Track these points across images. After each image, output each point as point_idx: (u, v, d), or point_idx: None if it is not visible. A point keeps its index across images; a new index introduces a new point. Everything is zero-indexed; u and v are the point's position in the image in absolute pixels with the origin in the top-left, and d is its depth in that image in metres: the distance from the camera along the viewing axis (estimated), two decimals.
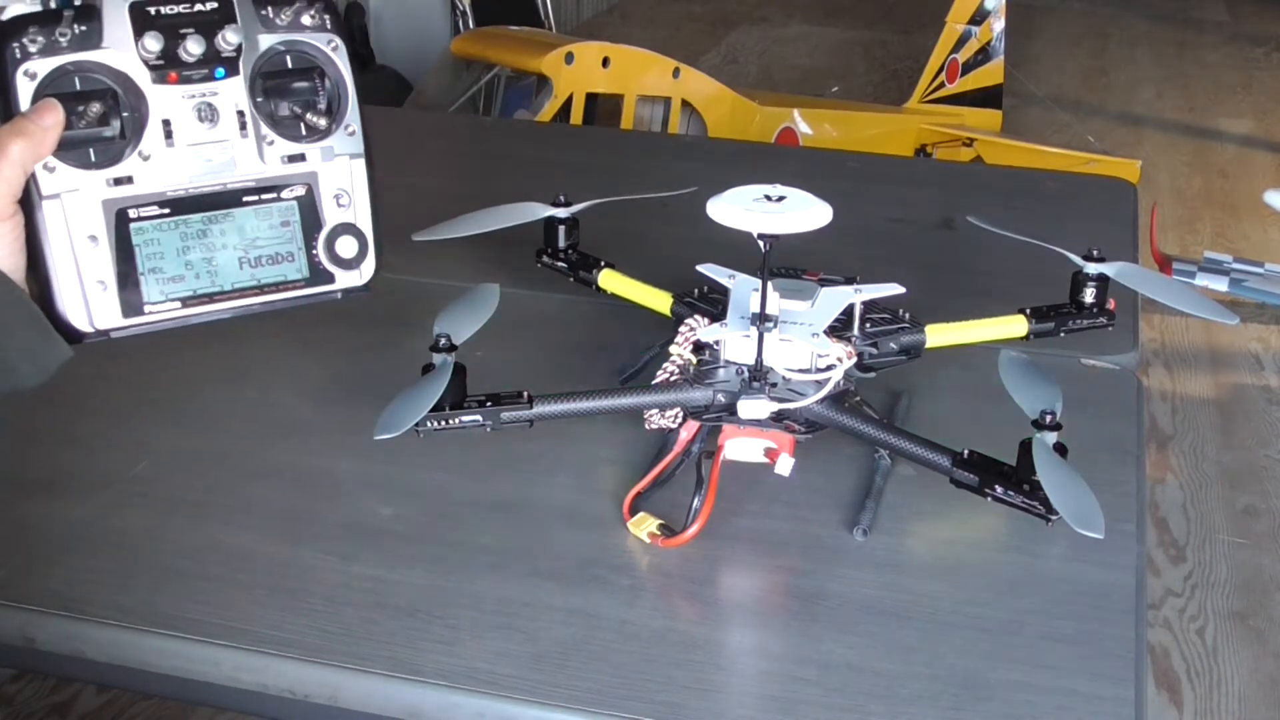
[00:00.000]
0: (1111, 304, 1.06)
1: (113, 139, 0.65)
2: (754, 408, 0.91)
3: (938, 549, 0.92)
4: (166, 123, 0.66)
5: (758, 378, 0.93)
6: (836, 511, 0.94)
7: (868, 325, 1.00)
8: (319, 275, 0.71)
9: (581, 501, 0.95)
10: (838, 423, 0.94)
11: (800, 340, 0.93)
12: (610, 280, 1.12)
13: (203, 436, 1.03)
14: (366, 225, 0.72)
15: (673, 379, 0.97)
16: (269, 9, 0.68)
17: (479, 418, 0.92)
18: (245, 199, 0.68)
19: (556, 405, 0.94)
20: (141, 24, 0.64)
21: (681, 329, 0.97)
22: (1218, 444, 2.58)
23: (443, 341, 0.91)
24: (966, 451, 0.91)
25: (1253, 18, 5.91)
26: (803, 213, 0.87)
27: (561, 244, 1.16)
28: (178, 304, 0.68)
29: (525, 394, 0.93)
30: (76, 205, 0.65)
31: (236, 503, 0.94)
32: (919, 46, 4.28)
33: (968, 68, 3.72)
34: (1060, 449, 0.87)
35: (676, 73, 3.17)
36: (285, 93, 0.69)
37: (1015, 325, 1.04)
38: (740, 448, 0.92)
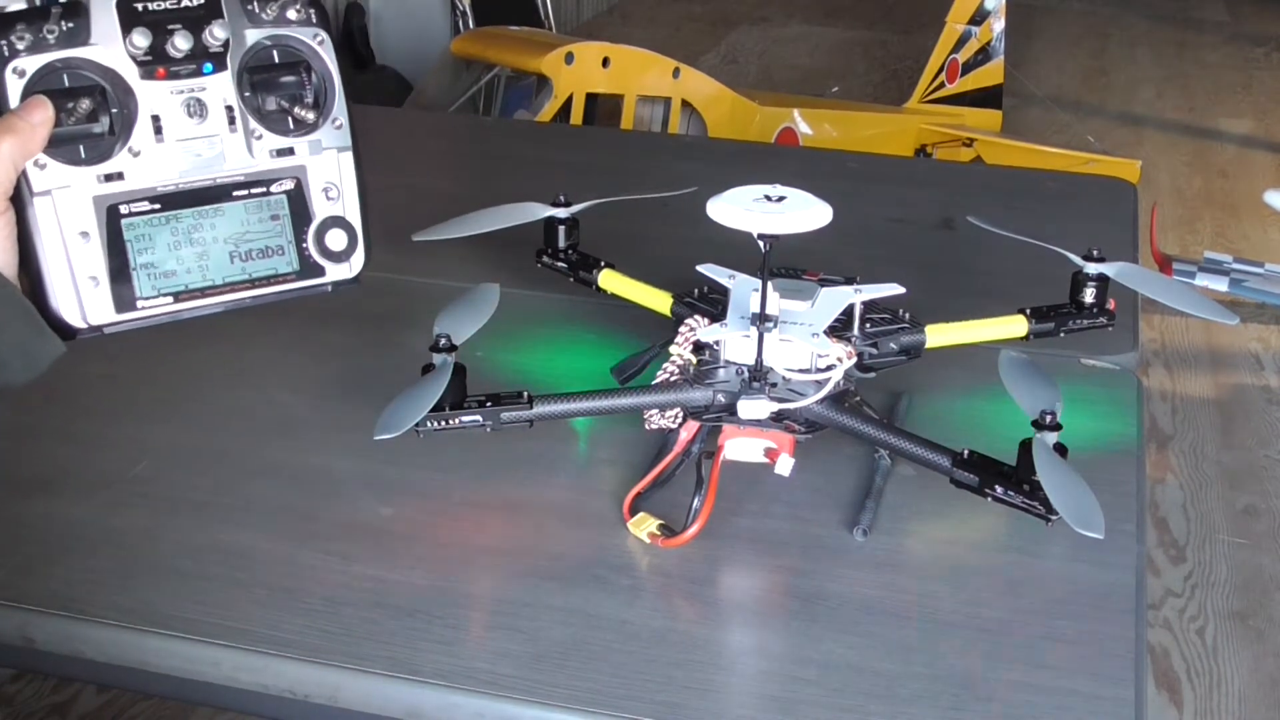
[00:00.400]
0: (1111, 304, 1.06)
1: (102, 135, 0.65)
2: (754, 408, 0.91)
3: (938, 549, 0.92)
4: (156, 118, 0.66)
5: (758, 378, 0.93)
6: (836, 511, 0.94)
7: (868, 325, 1.00)
8: (309, 268, 0.71)
9: (581, 501, 0.95)
10: (838, 423, 0.94)
11: (800, 340, 0.93)
12: (610, 280, 1.12)
13: (203, 436, 1.02)
14: (355, 218, 0.72)
15: (673, 379, 0.97)
16: (255, 4, 0.68)
17: (479, 418, 0.92)
18: (235, 193, 0.69)
19: (556, 405, 0.94)
20: (129, 20, 0.65)
21: (681, 329, 0.97)
22: (1218, 444, 2.58)
23: (443, 341, 0.91)
24: (966, 451, 0.91)
25: (1253, 18, 5.91)
26: (803, 213, 0.87)
27: (561, 244, 1.16)
28: (170, 299, 0.68)
29: (525, 394, 0.93)
30: (68, 201, 0.65)
31: (236, 502, 0.94)
32: (919, 46, 4.28)
33: (968, 68, 3.72)
34: (1060, 449, 0.87)
35: (676, 73, 3.17)
36: (272, 87, 0.69)
37: (1015, 325, 1.04)
38: (740, 448, 0.92)
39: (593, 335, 1.17)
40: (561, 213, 1.15)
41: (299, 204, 0.70)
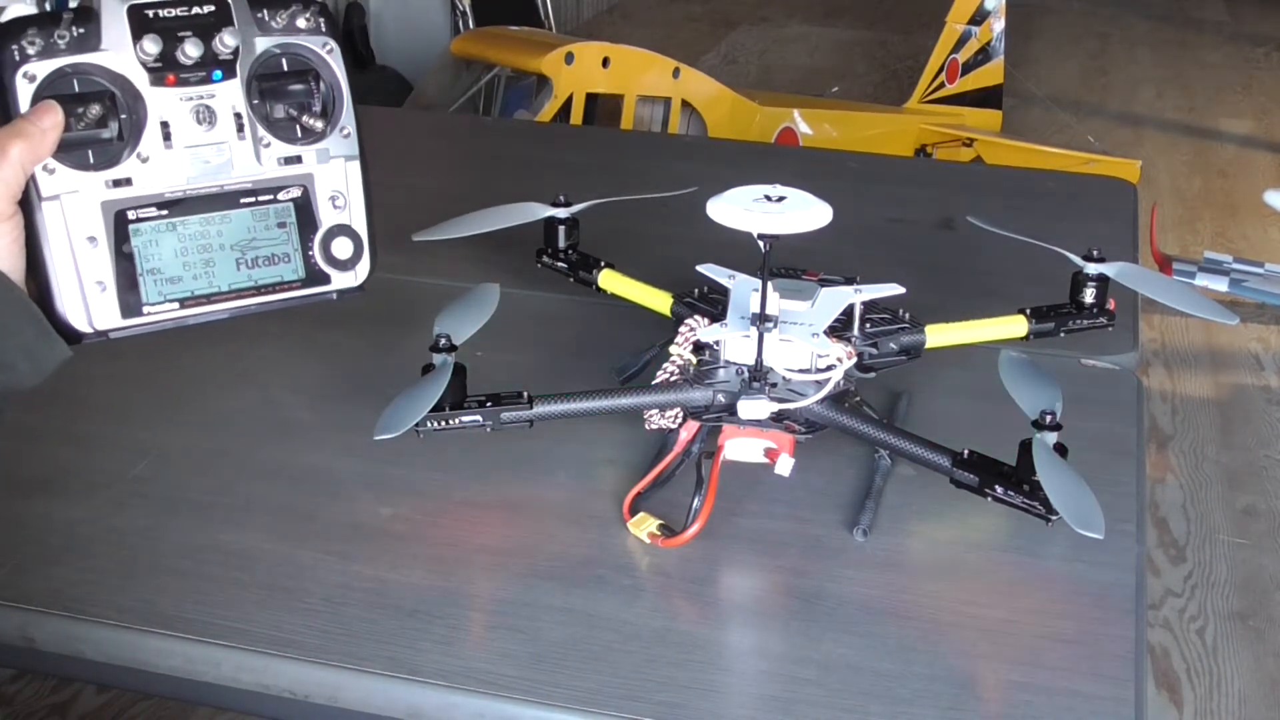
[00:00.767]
0: (1111, 304, 1.06)
1: (111, 141, 0.66)
2: (754, 408, 0.91)
3: (938, 549, 0.92)
4: (165, 125, 0.66)
5: (758, 378, 0.93)
6: (836, 511, 0.94)
7: (868, 325, 1.00)
8: (315, 276, 0.72)
9: (581, 501, 0.95)
10: (838, 423, 0.94)
11: (800, 340, 0.93)
12: (610, 280, 1.12)
13: (203, 436, 1.03)
14: (362, 227, 0.72)
15: (673, 379, 0.97)
16: (265, 12, 0.68)
17: (479, 418, 0.92)
18: (242, 200, 0.69)
19: (556, 405, 0.94)
20: (140, 27, 0.65)
21: (681, 329, 0.97)
22: (1218, 444, 2.58)
23: (443, 341, 0.91)
24: (966, 451, 0.91)
25: (1253, 18, 5.91)
26: (803, 213, 0.87)
27: (561, 244, 1.16)
28: (176, 305, 0.68)
29: (525, 394, 0.93)
30: (76, 206, 0.65)
31: (236, 503, 0.94)
32: (919, 46, 4.28)
33: (968, 68, 3.72)
34: (1060, 449, 0.87)
35: (676, 73, 3.17)
36: (281, 95, 0.69)
37: (1015, 325, 1.04)
38: (740, 448, 0.92)
39: (593, 335, 1.17)
40: (561, 213, 1.15)
41: (306, 212, 0.71)
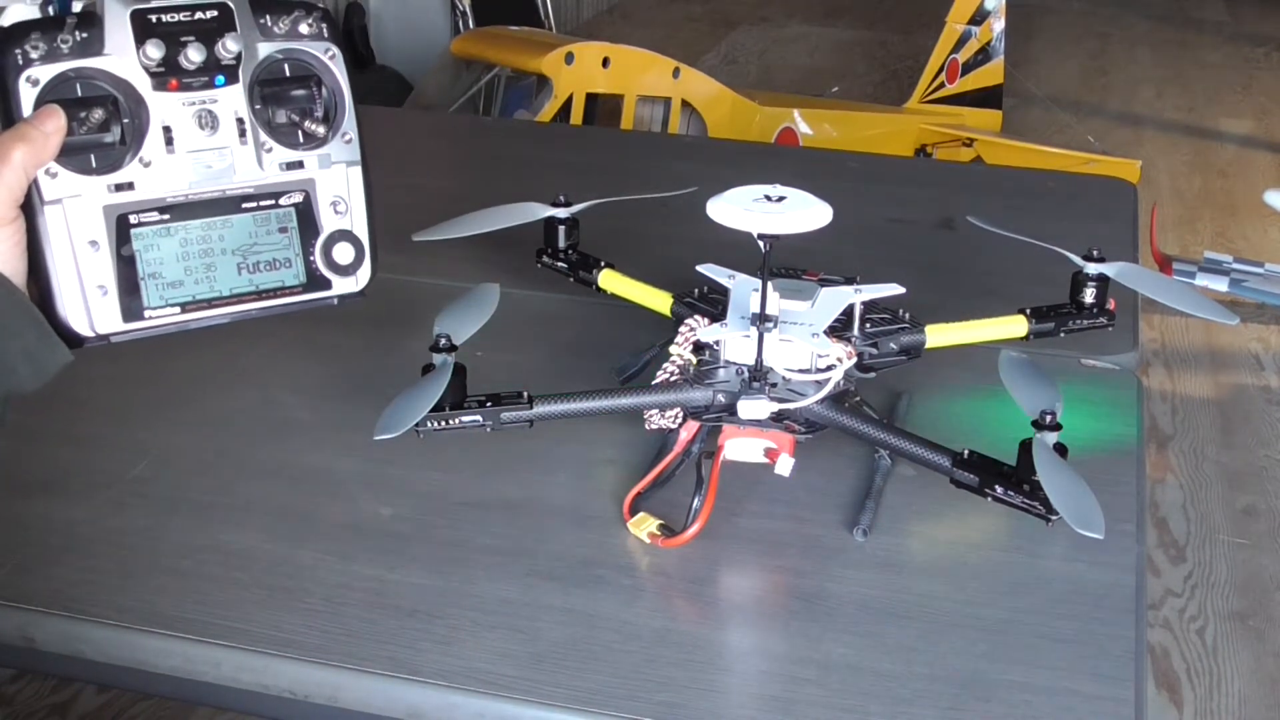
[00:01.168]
0: (1111, 304, 1.06)
1: (113, 145, 0.66)
2: (754, 408, 0.91)
3: (938, 549, 0.92)
4: (167, 129, 0.66)
5: (758, 378, 0.93)
6: (836, 511, 0.94)
7: (868, 325, 1.00)
8: (316, 281, 0.72)
9: (581, 501, 0.95)
10: (838, 423, 0.94)
11: (800, 340, 0.93)
12: (610, 280, 1.12)
13: (203, 436, 1.03)
14: (363, 232, 0.72)
15: (673, 379, 0.97)
16: (267, 18, 0.68)
17: (479, 418, 0.92)
18: (244, 205, 0.69)
19: (556, 405, 0.94)
20: (143, 31, 0.65)
21: (681, 329, 0.97)
22: (1218, 444, 2.58)
23: (443, 341, 0.91)
24: (966, 451, 0.91)
25: (1253, 18, 5.91)
26: (803, 213, 0.87)
27: (561, 244, 1.16)
28: (177, 309, 0.68)
29: (525, 394, 0.93)
30: (78, 210, 0.65)
31: (236, 503, 0.94)
32: (919, 46, 4.28)
33: (968, 68, 3.72)
34: (1060, 449, 0.87)
35: (676, 73, 3.17)
36: (283, 100, 0.69)
37: (1015, 325, 1.04)
38: (740, 448, 0.92)
39: (593, 335, 1.17)
40: (561, 213, 1.15)
41: (307, 217, 0.71)
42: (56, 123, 0.63)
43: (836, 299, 0.98)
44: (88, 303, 0.66)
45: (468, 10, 3.98)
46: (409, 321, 1.00)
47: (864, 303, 0.99)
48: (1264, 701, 1.92)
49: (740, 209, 0.87)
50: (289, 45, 0.69)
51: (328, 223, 0.71)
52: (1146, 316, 2.84)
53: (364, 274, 0.73)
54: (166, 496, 0.95)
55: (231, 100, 0.67)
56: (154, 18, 0.65)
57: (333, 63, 0.70)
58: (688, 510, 0.89)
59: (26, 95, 0.63)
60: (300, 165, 0.70)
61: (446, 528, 0.92)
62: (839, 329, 0.98)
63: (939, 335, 1.02)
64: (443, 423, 0.91)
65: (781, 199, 0.89)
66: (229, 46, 0.67)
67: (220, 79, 0.67)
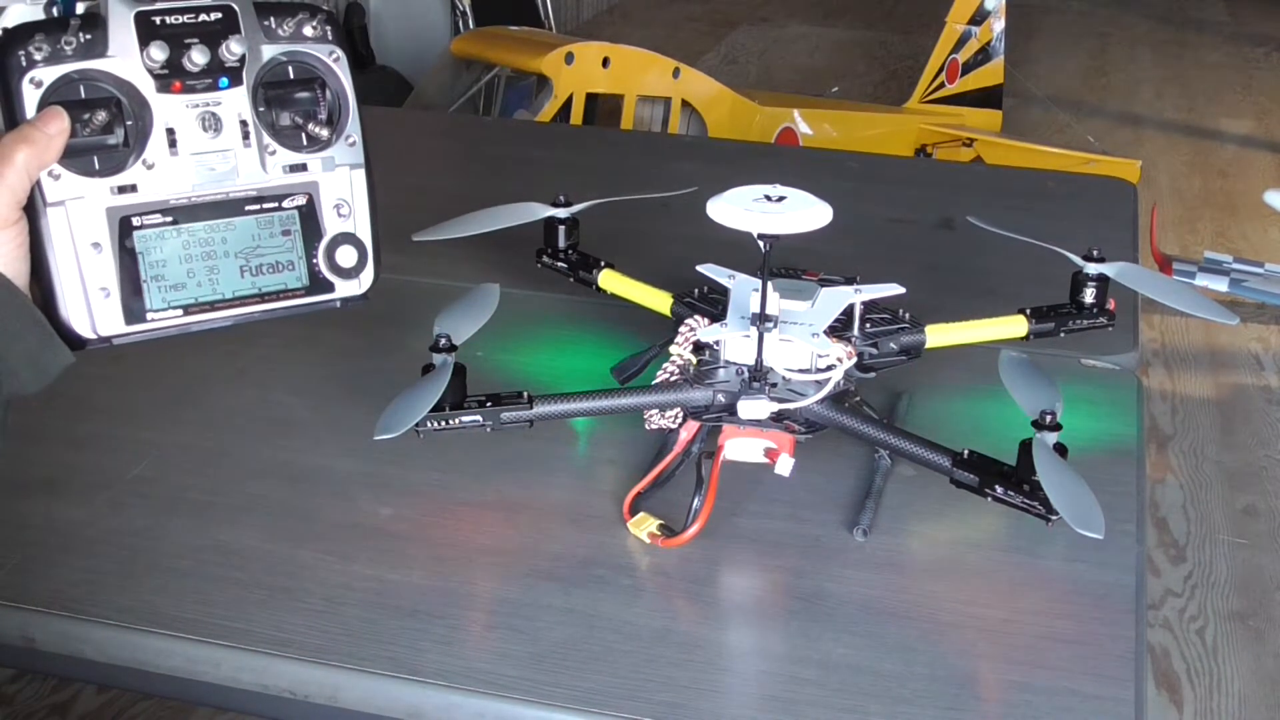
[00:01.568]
0: (1111, 304, 1.06)
1: (117, 147, 0.65)
2: (754, 408, 0.91)
3: (938, 549, 0.92)
4: (170, 131, 0.66)
5: (758, 378, 0.93)
6: (836, 511, 0.94)
7: (868, 325, 1.00)
8: (319, 284, 0.72)
9: (581, 501, 0.95)
10: (838, 423, 0.94)
11: (800, 340, 0.93)
12: (610, 280, 1.12)
13: (203, 436, 1.03)
14: (366, 235, 0.72)
15: (673, 379, 0.97)
16: (272, 20, 0.68)
17: (479, 418, 0.92)
18: (247, 208, 0.69)
19: (556, 405, 0.94)
20: (147, 33, 0.65)
21: (681, 329, 0.97)
22: (1218, 444, 2.58)
23: (443, 341, 0.91)
24: (966, 451, 0.91)
25: (1253, 18, 5.91)
26: (803, 213, 0.87)
27: (561, 244, 1.16)
28: (179, 311, 0.68)
29: (525, 394, 0.93)
30: (81, 212, 0.65)
31: (236, 503, 0.94)
32: (919, 46, 4.28)
33: (968, 68, 3.72)
34: (1060, 449, 0.87)
35: (676, 73, 3.17)
36: (287, 103, 0.69)
37: (1015, 325, 1.04)
38: (740, 448, 0.92)
39: (593, 335, 1.17)
40: (561, 213, 1.15)
41: (310, 220, 0.71)
42: (60, 124, 0.63)
43: (836, 299, 0.98)
44: (90, 305, 0.66)
45: (468, 10, 3.98)
46: (409, 321, 1.00)
47: (864, 303, 0.99)
48: (1264, 701, 1.92)
49: (740, 209, 0.87)
50: (293, 48, 0.69)
51: (331, 226, 0.71)
52: (1146, 316, 2.84)
53: (367, 277, 0.73)
54: (166, 496, 0.95)
55: (235, 102, 0.67)
56: (158, 19, 0.65)
57: (337, 65, 0.70)
58: (688, 510, 0.89)
59: (30, 97, 0.63)
60: (304, 168, 0.70)
61: (446, 528, 0.92)
62: (839, 329, 0.98)
63: (939, 335, 1.02)
64: (443, 423, 0.91)
65: (781, 199, 0.89)
66: (233, 49, 0.66)
67: (224, 81, 0.67)
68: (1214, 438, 2.60)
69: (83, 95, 0.64)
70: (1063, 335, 1.05)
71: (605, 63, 3.06)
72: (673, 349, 0.97)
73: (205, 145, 0.67)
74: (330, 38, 0.70)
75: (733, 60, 5.16)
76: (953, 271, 1.32)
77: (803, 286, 0.99)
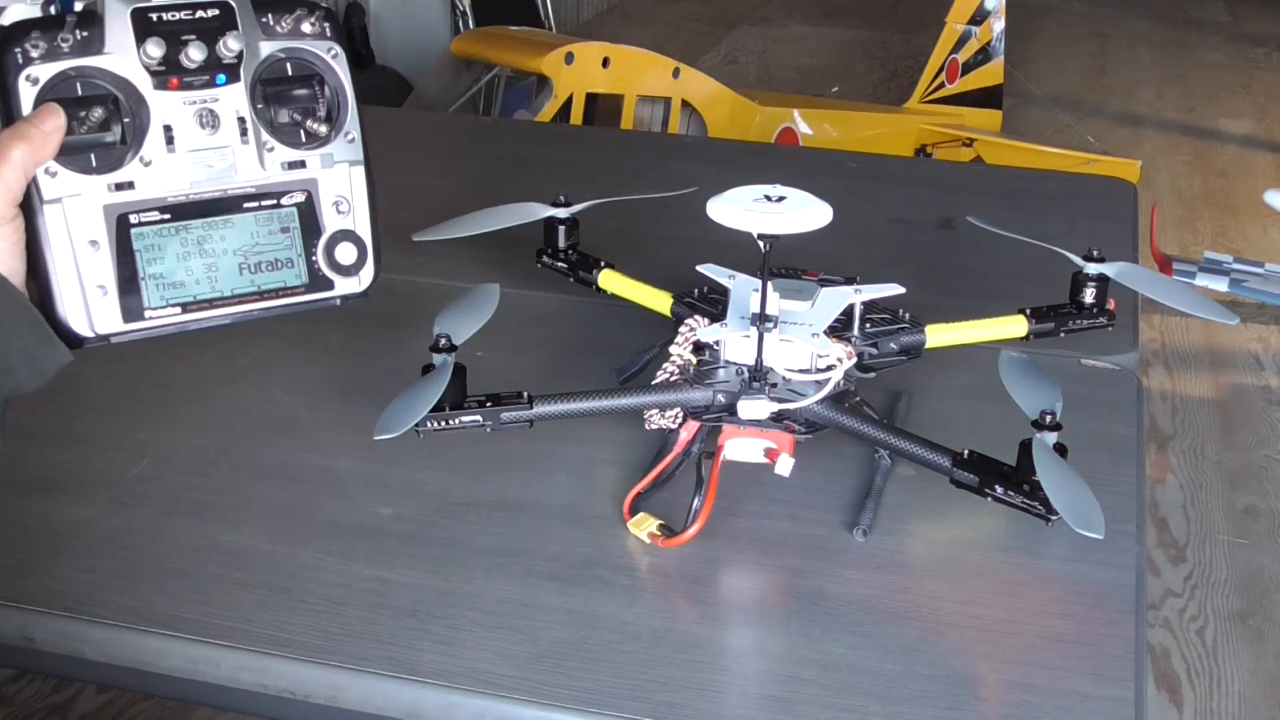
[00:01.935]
0: (1111, 304, 1.06)
1: (114, 144, 0.65)
2: (754, 408, 0.91)
3: (938, 549, 0.92)
4: (168, 128, 0.66)
5: (758, 378, 0.93)
6: (836, 511, 0.94)
7: (868, 325, 1.00)
8: (318, 282, 0.71)
9: (581, 501, 0.95)
10: (838, 423, 0.94)
11: (800, 340, 0.93)
12: (610, 280, 1.12)
13: (203, 436, 1.03)
14: (366, 232, 0.72)
15: (673, 379, 0.97)
16: (269, 16, 0.68)
17: (479, 418, 0.92)
18: (246, 205, 0.69)
19: (556, 405, 0.94)
20: (143, 30, 0.65)
21: (681, 329, 0.97)
22: (1218, 444, 2.58)
23: (443, 342, 0.91)
24: (966, 451, 0.91)
25: (1253, 18, 5.91)
26: (803, 213, 0.87)
27: (561, 244, 1.16)
28: (178, 309, 0.68)
29: (525, 394, 0.93)
30: (77, 210, 0.65)
31: (236, 502, 0.94)
32: (919, 46, 4.28)
33: (968, 68, 3.72)
34: (1060, 449, 0.87)
35: (676, 73, 3.17)
36: (285, 100, 0.69)
37: (1015, 325, 1.04)
38: (740, 448, 0.92)
39: (593, 335, 1.17)
40: (561, 213, 1.15)
41: (309, 217, 0.70)
42: (56, 121, 0.63)
43: (836, 299, 0.98)
44: (88, 303, 0.65)
45: (468, 10, 3.98)
46: (409, 321, 1.00)
47: (864, 303, 0.99)
48: (1264, 701, 1.92)
49: (740, 209, 0.87)
50: (291, 44, 0.69)
51: (330, 223, 0.71)
52: (1146, 316, 2.84)
53: (367, 274, 0.72)
54: (166, 496, 0.95)
55: (233, 99, 0.67)
56: (155, 16, 0.65)
57: (335, 62, 0.70)
58: (688, 510, 0.89)
59: (26, 94, 0.63)
60: (302, 165, 0.70)
61: (446, 528, 0.92)
62: (839, 329, 0.98)
63: (939, 335, 1.02)
64: (443, 423, 0.91)
65: (781, 199, 0.89)
66: (230, 45, 0.66)
67: (221, 78, 0.67)
68: (1214, 438, 2.60)
69: (79, 92, 0.64)
70: (1063, 335, 1.05)
71: (605, 63, 3.06)
72: (673, 349, 0.97)
73: (203, 142, 0.67)
74: (329, 34, 0.70)
75: (733, 60, 5.16)
76: (953, 271, 1.32)
77: (803, 286, 0.99)
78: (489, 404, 0.92)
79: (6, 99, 0.63)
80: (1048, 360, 0.98)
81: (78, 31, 0.64)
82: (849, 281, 1.00)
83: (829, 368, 0.93)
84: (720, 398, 0.94)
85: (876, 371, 1.01)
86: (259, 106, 0.68)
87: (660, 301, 1.08)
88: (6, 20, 0.66)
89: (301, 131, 0.70)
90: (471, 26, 3.90)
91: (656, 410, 0.97)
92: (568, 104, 2.99)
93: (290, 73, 0.69)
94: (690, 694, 0.78)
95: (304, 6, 0.69)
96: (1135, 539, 0.91)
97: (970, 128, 3.61)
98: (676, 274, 1.07)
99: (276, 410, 1.07)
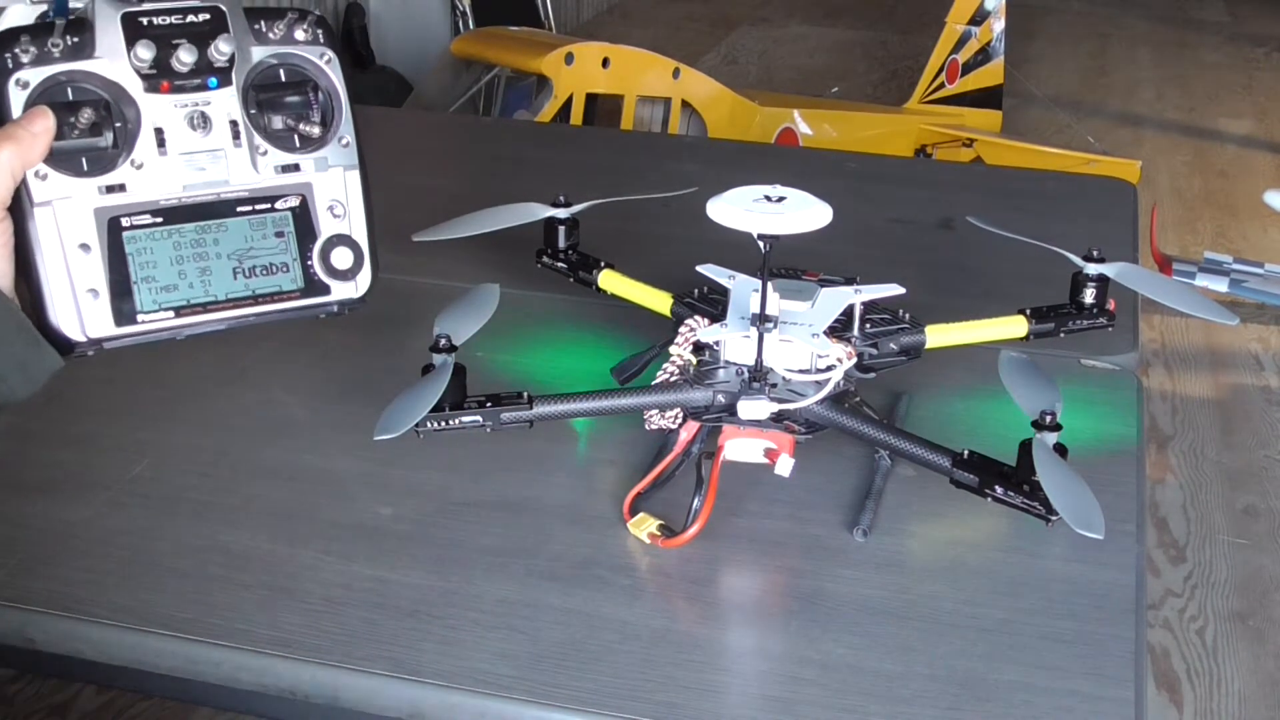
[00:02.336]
0: (1111, 304, 1.06)
1: (105, 148, 0.65)
2: (754, 408, 0.91)
3: (938, 549, 0.92)
4: (159, 131, 0.66)
5: (758, 378, 0.93)
6: (836, 511, 0.94)
7: (868, 325, 1.00)
8: (314, 286, 0.71)
9: (581, 501, 0.95)
10: (838, 423, 0.94)
11: (800, 341, 0.93)
12: (610, 280, 1.12)
13: (202, 436, 1.02)
14: (362, 236, 0.72)
15: (673, 379, 0.97)
16: (262, 23, 0.68)
17: (479, 418, 0.92)
18: (239, 209, 0.68)
19: (556, 405, 0.94)
20: (133, 34, 0.65)
21: (681, 329, 0.97)
22: (1218, 444, 2.58)
23: (443, 342, 0.91)
24: (966, 452, 0.91)
25: (1253, 18, 5.91)
26: (803, 213, 0.87)
27: (561, 244, 1.16)
28: (171, 313, 0.67)
29: (525, 394, 0.93)
30: (68, 213, 0.64)
31: (236, 503, 0.94)
32: (919, 46, 4.28)
33: (968, 68, 3.72)
34: (1060, 449, 0.87)
35: (676, 73, 3.17)
36: (278, 105, 0.69)
37: (1015, 325, 1.04)
38: (740, 448, 0.92)
39: (593, 335, 1.17)
40: (561, 213, 1.15)
41: (304, 221, 0.70)
42: (45, 123, 0.62)
43: (836, 299, 0.98)
44: (79, 307, 0.65)
45: (468, 10, 3.99)
46: (409, 321, 1.00)
47: (864, 303, 0.99)
48: (1264, 701, 1.92)
49: (740, 209, 0.87)
50: (284, 50, 0.69)
51: (325, 227, 0.70)
52: (1146, 317, 2.84)
53: (364, 279, 0.72)
54: (166, 496, 0.95)
55: (224, 102, 0.67)
56: (145, 20, 0.65)
57: (329, 67, 0.70)
58: (688, 510, 0.89)
59: (16, 98, 0.63)
60: (296, 168, 0.69)
61: (446, 528, 0.92)
62: (839, 329, 0.98)
63: (939, 335, 1.02)
64: (443, 423, 0.91)
65: (781, 199, 0.89)
66: (221, 49, 0.66)
67: (213, 81, 0.67)
68: (1214, 438, 2.60)
69: (70, 97, 0.64)
70: (1063, 335, 1.05)
71: (605, 63, 3.06)
72: (673, 349, 0.97)
73: (194, 145, 0.67)
74: (322, 40, 0.70)
75: (733, 60, 5.16)
76: (953, 271, 1.32)
77: (803, 287, 0.99)
78: (489, 404, 0.92)
79: None
80: (1048, 360, 0.98)
81: (68, 36, 0.64)
82: (849, 282, 1.00)
83: (829, 368, 0.93)
84: (720, 398, 0.94)
85: (876, 371, 1.01)
86: (252, 112, 0.68)
87: (660, 301, 1.08)
88: (6, 21, 0.66)
89: (296, 136, 0.69)
90: (471, 26, 3.90)
91: (656, 410, 0.97)
92: (568, 104, 2.99)
93: (283, 79, 0.69)
94: (690, 694, 0.78)
95: (297, 12, 0.69)
96: (1135, 539, 0.91)
97: (970, 128, 3.62)
98: (676, 274, 1.07)
99: (276, 410, 1.07)
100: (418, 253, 1.13)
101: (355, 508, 0.94)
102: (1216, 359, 2.93)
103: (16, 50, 0.63)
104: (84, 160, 0.65)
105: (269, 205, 0.69)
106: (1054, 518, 0.86)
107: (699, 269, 1.04)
